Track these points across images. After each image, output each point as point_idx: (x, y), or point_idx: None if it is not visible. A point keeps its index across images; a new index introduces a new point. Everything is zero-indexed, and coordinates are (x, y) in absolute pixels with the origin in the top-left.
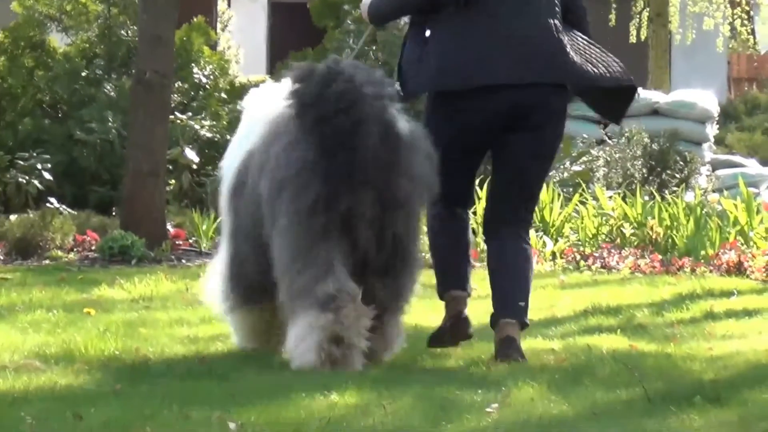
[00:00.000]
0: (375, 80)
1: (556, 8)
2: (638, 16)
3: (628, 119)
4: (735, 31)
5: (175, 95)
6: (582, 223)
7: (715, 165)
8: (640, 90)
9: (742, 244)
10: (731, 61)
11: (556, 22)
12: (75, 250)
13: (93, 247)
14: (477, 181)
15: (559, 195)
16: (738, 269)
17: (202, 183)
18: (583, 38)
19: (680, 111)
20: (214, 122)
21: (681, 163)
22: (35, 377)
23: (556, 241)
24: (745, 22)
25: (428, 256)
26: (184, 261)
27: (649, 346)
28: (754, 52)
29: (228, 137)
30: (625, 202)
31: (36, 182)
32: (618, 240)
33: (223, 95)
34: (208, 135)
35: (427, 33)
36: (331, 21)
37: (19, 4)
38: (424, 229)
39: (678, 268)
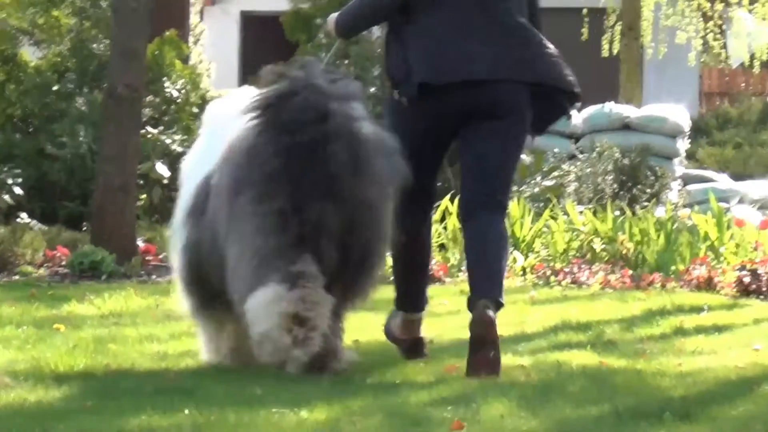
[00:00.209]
0: (340, 91)
1: (524, 8)
2: (611, 30)
3: (599, 134)
4: (707, 46)
5: (147, 109)
6: (552, 238)
7: (686, 180)
8: (611, 104)
9: (712, 260)
10: (703, 76)
11: (525, 20)
12: (45, 265)
13: (63, 263)
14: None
15: (529, 210)
16: (708, 285)
17: (173, 198)
18: (543, 39)
19: (651, 125)
20: (186, 136)
21: (652, 178)
22: (4, 394)
23: (527, 256)
24: (718, 36)
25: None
26: (154, 276)
27: (619, 361)
28: (726, 66)
29: None
30: (596, 217)
31: (6, 197)
32: (588, 255)
33: (195, 109)
34: (180, 149)
35: (405, 34)
36: (304, 35)
37: None
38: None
39: (648, 284)
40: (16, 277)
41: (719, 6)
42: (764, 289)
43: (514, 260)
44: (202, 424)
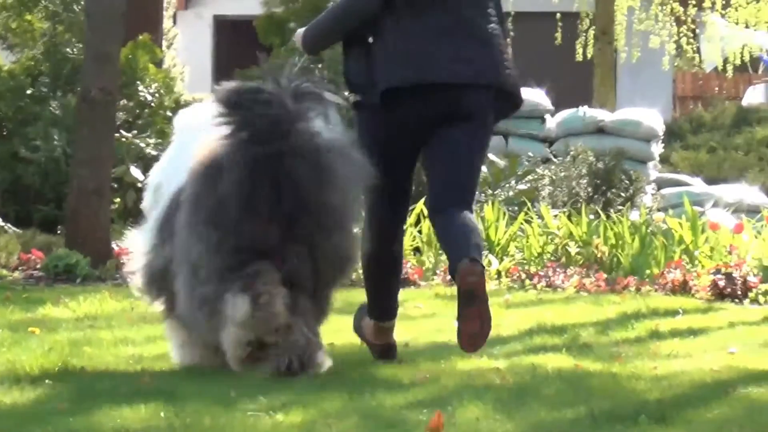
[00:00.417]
0: (302, 107)
1: (492, 13)
2: (584, 34)
3: (573, 138)
4: (680, 50)
5: (121, 113)
6: (527, 241)
7: (660, 184)
8: (586, 108)
9: (687, 263)
10: (676, 80)
11: (494, 25)
12: (20, 268)
13: (38, 266)
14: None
15: (504, 214)
16: (683, 288)
17: None
18: (505, 44)
19: (625, 129)
20: (160, 140)
21: (626, 181)
22: None
23: (502, 259)
24: (691, 40)
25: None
26: (129, 280)
27: (594, 365)
28: (700, 70)
29: None
30: (571, 221)
31: None
32: (563, 259)
33: (169, 113)
34: (154, 153)
35: (370, 39)
36: (277, 38)
37: None
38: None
39: (623, 287)
40: None
41: (692, 10)
42: (739, 292)
43: (489, 263)
44: (177, 426)
